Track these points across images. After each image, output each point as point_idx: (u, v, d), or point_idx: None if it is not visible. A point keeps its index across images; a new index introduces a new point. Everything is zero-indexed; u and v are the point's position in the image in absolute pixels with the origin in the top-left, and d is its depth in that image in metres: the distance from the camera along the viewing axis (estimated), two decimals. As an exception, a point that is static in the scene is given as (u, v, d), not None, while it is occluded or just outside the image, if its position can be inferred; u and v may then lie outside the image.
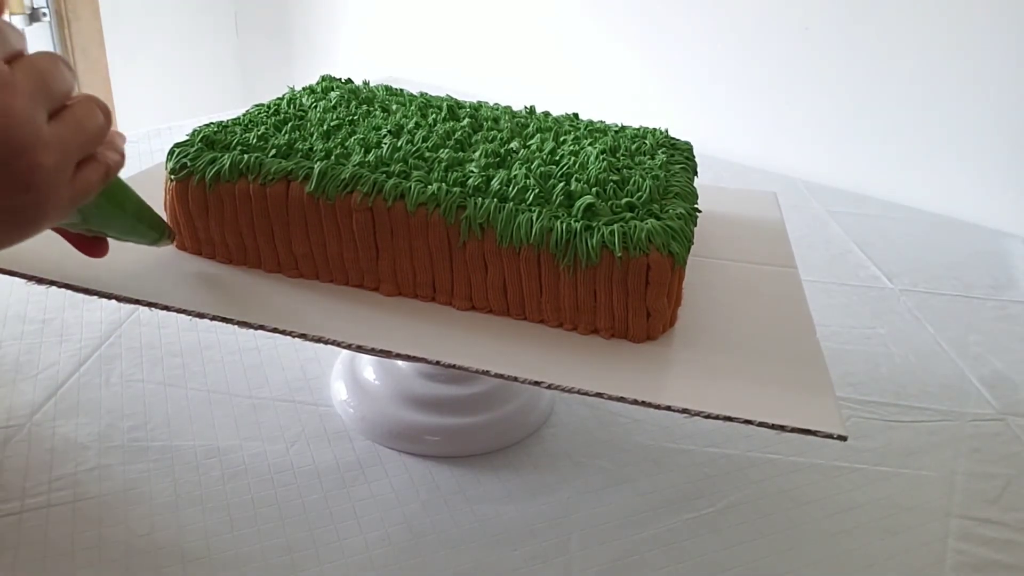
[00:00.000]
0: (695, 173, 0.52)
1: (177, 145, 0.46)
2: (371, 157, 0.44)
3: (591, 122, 0.55)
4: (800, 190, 1.02)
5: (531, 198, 0.42)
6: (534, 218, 0.40)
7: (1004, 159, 0.94)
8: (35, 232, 0.30)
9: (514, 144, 0.49)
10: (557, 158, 0.47)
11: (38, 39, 1.67)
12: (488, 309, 0.44)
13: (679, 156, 0.52)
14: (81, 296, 0.55)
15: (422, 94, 0.58)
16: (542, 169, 0.44)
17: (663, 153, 0.50)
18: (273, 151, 0.45)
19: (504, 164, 0.46)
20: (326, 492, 0.47)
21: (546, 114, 0.56)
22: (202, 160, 0.44)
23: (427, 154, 0.46)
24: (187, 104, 1.88)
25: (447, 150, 0.46)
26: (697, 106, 1.19)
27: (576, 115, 0.57)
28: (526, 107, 0.57)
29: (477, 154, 0.46)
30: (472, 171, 0.44)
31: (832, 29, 1.03)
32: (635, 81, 1.26)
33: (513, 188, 0.42)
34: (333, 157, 0.44)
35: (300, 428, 0.53)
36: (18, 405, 0.53)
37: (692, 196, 0.46)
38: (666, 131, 0.55)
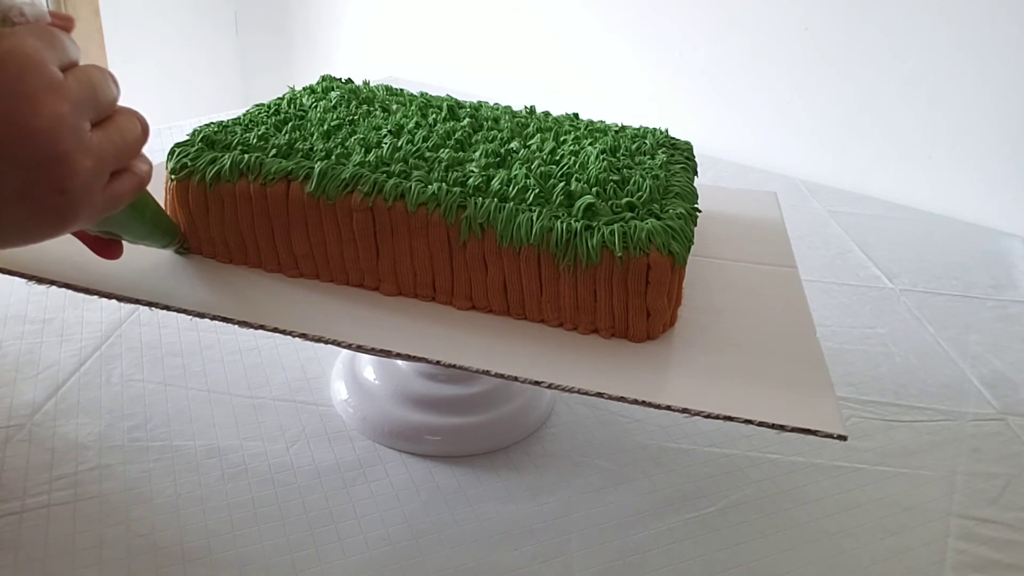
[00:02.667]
0: (695, 173, 0.52)
1: (177, 145, 0.46)
2: (371, 157, 0.44)
3: (591, 122, 0.55)
4: (800, 190, 1.02)
5: (531, 198, 0.42)
6: (534, 218, 0.40)
7: (1004, 159, 0.94)
8: (62, 233, 0.30)
9: (514, 144, 0.49)
10: (557, 158, 0.47)
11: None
12: (488, 309, 0.44)
13: (679, 156, 0.52)
14: (81, 296, 0.55)
15: (422, 94, 0.58)
16: (542, 169, 0.44)
17: (663, 153, 0.50)
18: (273, 151, 0.45)
19: (504, 164, 0.46)
20: (326, 492, 0.47)
21: (546, 114, 0.56)
22: (202, 160, 0.44)
23: (427, 154, 0.46)
24: (187, 104, 1.88)
25: (447, 150, 0.46)
26: (697, 106, 1.20)
27: (576, 115, 0.57)
28: (526, 107, 0.57)
29: (477, 154, 0.46)
30: (472, 171, 0.44)
31: (832, 29, 1.03)
32: (635, 81, 1.26)
33: (513, 188, 0.42)
34: (333, 157, 0.44)
35: (300, 428, 0.53)
36: (19, 405, 0.53)
37: (692, 196, 0.47)
38: (666, 131, 0.55)
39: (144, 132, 0.33)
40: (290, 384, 0.57)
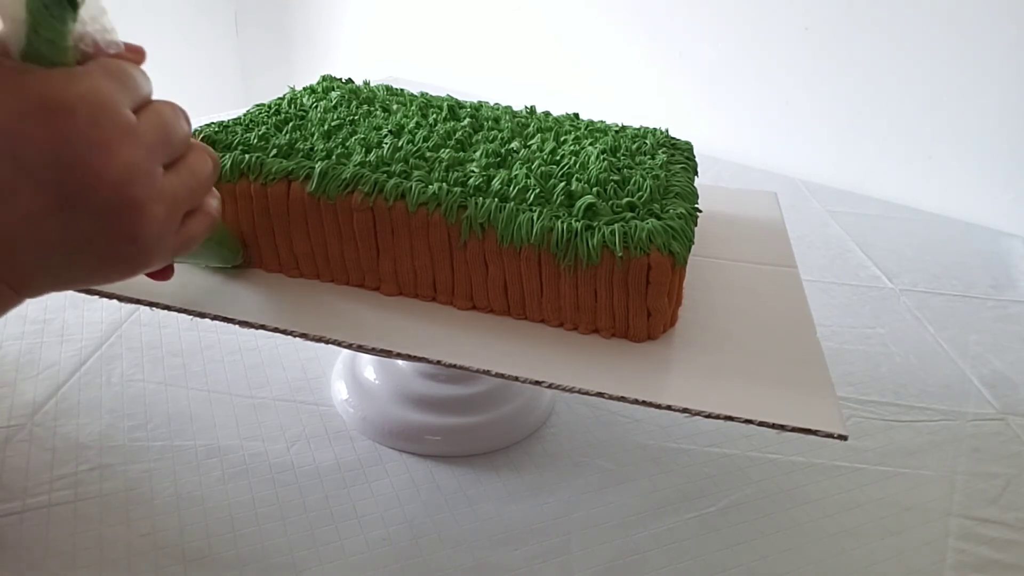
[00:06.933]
0: (695, 173, 0.52)
1: None
2: (372, 157, 0.44)
3: (591, 122, 0.55)
4: (800, 190, 1.02)
5: (532, 198, 0.42)
6: (535, 218, 0.40)
7: (1004, 159, 0.94)
8: (133, 276, 0.30)
9: (515, 144, 0.49)
10: (558, 158, 0.47)
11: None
12: (489, 309, 0.44)
13: (679, 156, 0.52)
14: (82, 296, 0.55)
15: (423, 94, 0.58)
16: (543, 169, 0.44)
17: (663, 153, 0.50)
18: (274, 151, 0.45)
19: (505, 164, 0.46)
20: (327, 492, 0.47)
21: (546, 114, 0.56)
22: None
23: (428, 154, 0.46)
24: (187, 104, 1.88)
25: (448, 150, 0.46)
26: (697, 106, 1.20)
27: (576, 115, 0.57)
28: (526, 107, 0.57)
29: (478, 154, 0.46)
30: (473, 171, 0.44)
31: (832, 29, 1.03)
32: (635, 81, 1.26)
33: (514, 188, 0.42)
34: (334, 157, 0.44)
35: (301, 428, 0.53)
36: (19, 405, 0.53)
37: (692, 196, 0.47)
38: (666, 131, 0.55)
39: (215, 168, 0.33)
40: (290, 384, 0.57)
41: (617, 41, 1.26)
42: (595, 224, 0.40)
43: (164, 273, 0.39)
